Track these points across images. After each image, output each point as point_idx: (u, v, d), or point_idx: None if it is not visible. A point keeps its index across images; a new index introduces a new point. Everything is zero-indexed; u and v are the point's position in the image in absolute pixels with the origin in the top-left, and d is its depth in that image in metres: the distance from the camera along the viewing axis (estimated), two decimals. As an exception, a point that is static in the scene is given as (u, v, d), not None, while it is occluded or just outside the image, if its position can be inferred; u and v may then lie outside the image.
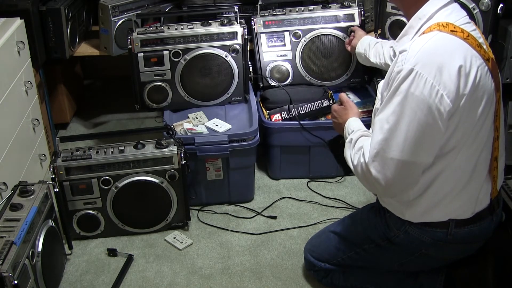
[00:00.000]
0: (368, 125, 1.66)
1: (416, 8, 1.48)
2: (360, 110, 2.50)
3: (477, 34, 1.45)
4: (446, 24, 1.40)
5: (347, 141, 1.61)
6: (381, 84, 1.65)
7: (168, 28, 2.37)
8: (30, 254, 1.68)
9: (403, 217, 1.56)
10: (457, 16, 1.44)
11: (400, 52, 1.41)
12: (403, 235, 1.59)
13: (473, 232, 1.56)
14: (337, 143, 1.76)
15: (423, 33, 1.43)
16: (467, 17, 1.47)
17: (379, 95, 1.60)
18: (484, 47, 1.44)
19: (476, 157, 1.48)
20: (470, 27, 1.44)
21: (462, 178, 1.49)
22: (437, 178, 1.47)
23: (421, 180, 1.48)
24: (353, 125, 1.66)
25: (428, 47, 1.37)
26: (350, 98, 2.54)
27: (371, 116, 1.76)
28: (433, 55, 1.35)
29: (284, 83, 2.56)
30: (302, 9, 2.54)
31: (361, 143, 1.53)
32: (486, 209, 1.55)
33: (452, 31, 1.39)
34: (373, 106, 2.50)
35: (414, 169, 1.42)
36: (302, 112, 2.44)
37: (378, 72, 2.80)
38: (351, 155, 1.55)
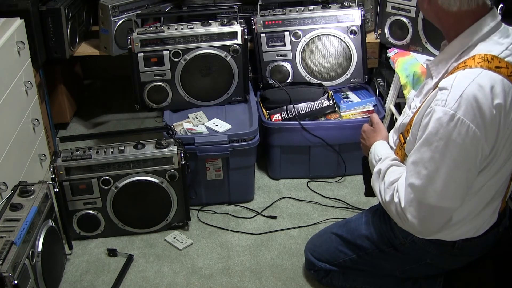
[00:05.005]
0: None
1: (456, 31, 1.38)
2: (360, 110, 2.52)
3: None
4: (491, 59, 1.31)
5: (375, 170, 1.54)
6: (411, 95, 1.58)
7: (168, 28, 2.37)
8: (30, 254, 1.68)
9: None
10: (502, 46, 1.34)
11: (440, 89, 1.32)
12: (409, 244, 1.58)
13: (480, 246, 1.56)
14: (363, 161, 1.70)
15: (464, 63, 1.34)
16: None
17: (407, 109, 1.55)
18: None
19: (497, 187, 1.46)
20: None
21: (477, 207, 1.47)
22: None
23: None
24: (380, 151, 1.58)
25: (472, 91, 1.27)
26: (349, 98, 2.57)
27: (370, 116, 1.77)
28: (476, 99, 1.27)
29: (284, 83, 2.56)
30: (302, 9, 2.53)
31: (392, 176, 1.47)
32: (493, 225, 1.54)
33: (496, 67, 1.30)
34: (373, 105, 2.54)
35: (450, 212, 1.41)
36: (302, 112, 2.44)
37: (378, 72, 2.80)
38: (381, 189, 1.49)
